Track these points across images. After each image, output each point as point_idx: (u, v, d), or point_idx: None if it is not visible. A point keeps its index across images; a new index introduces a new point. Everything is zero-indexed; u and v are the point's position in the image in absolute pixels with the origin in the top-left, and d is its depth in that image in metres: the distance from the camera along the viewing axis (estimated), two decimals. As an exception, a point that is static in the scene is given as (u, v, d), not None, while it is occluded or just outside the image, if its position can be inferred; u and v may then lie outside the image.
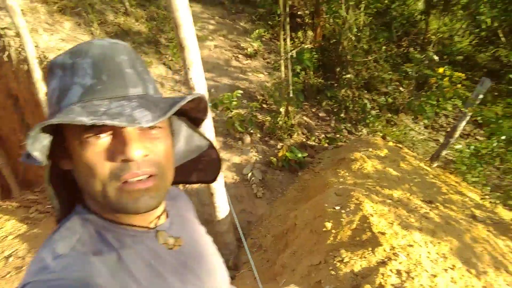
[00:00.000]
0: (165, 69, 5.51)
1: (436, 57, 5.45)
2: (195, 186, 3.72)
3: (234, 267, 2.88)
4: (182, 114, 0.78)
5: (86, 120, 0.50)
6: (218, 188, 2.75)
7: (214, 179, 0.93)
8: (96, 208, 0.65)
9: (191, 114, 0.81)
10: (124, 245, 0.63)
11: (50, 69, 0.62)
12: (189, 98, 0.62)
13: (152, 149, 0.61)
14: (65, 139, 0.60)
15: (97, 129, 0.56)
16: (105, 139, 0.57)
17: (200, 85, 2.52)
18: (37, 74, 4.07)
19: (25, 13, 5.04)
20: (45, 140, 0.55)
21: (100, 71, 0.59)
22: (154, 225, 0.71)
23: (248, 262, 2.93)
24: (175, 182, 0.76)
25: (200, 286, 0.73)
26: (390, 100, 5.91)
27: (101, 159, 0.57)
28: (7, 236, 3.87)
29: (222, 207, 2.81)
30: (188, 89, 2.55)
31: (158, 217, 0.73)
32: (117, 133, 0.58)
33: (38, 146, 0.54)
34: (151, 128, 0.60)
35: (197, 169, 0.92)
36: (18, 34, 4.07)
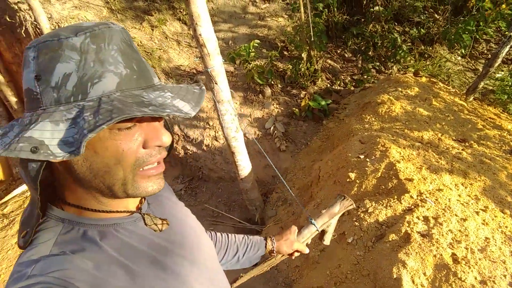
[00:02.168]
0: (180, 24, 5.33)
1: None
2: (218, 144, 3.75)
3: (260, 222, 2.95)
4: None
5: (149, 111, 0.51)
6: (239, 147, 2.74)
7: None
8: (78, 201, 0.62)
9: None
10: (107, 236, 0.62)
11: (59, 48, 0.52)
12: (204, 88, 0.66)
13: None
14: None
15: (129, 119, 0.56)
16: (133, 128, 0.58)
17: (211, 41, 2.40)
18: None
19: (35, -17, 4.97)
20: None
21: (130, 60, 0.57)
22: (136, 208, 0.71)
23: (274, 216, 2.99)
24: None
25: (194, 260, 0.74)
26: (423, 31, 5.38)
27: (132, 146, 0.57)
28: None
29: (244, 165, 2.81)
30: (199, 47, 2.46)
31: (141, 200, 0.74)
32: (144, 122, 0.59)
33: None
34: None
35: None
36: (30, 7, 4.07)
